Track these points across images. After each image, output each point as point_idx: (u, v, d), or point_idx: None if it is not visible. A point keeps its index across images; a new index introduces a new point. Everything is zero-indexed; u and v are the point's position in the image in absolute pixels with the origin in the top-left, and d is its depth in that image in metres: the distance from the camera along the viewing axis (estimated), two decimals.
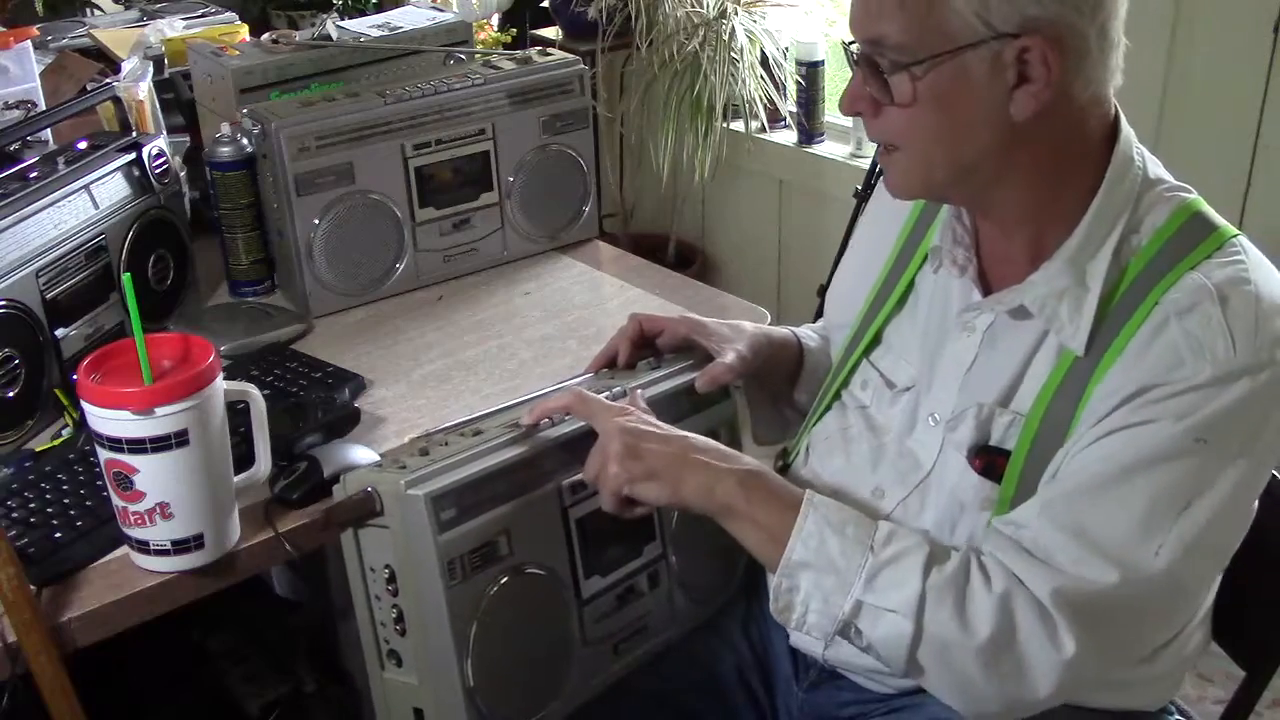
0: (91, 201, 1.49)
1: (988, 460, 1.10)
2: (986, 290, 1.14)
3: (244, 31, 2.16)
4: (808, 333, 1.42)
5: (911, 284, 1.24)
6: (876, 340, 1.25)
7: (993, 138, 1.05)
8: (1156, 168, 1.11)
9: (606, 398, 1.20)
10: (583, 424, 1.17)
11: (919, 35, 1.01)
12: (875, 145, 2.52)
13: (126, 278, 1.15)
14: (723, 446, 1.13)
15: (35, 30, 2.21)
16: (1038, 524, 1.03)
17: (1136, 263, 1.06)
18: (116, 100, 1.68)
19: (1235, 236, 1.07)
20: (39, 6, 2.88)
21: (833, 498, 1.19)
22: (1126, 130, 1.10)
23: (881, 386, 1.23)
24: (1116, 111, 1.10)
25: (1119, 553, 1.01)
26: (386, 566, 1.10)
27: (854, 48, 1.07)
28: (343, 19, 2.05)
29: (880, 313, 1.25)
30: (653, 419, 1.15)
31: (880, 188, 1.35)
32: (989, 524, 1.09)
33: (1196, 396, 1.00)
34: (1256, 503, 1.10)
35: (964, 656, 1.03)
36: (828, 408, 1.29)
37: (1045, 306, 1.07)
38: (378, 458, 1.28)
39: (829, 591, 1.05)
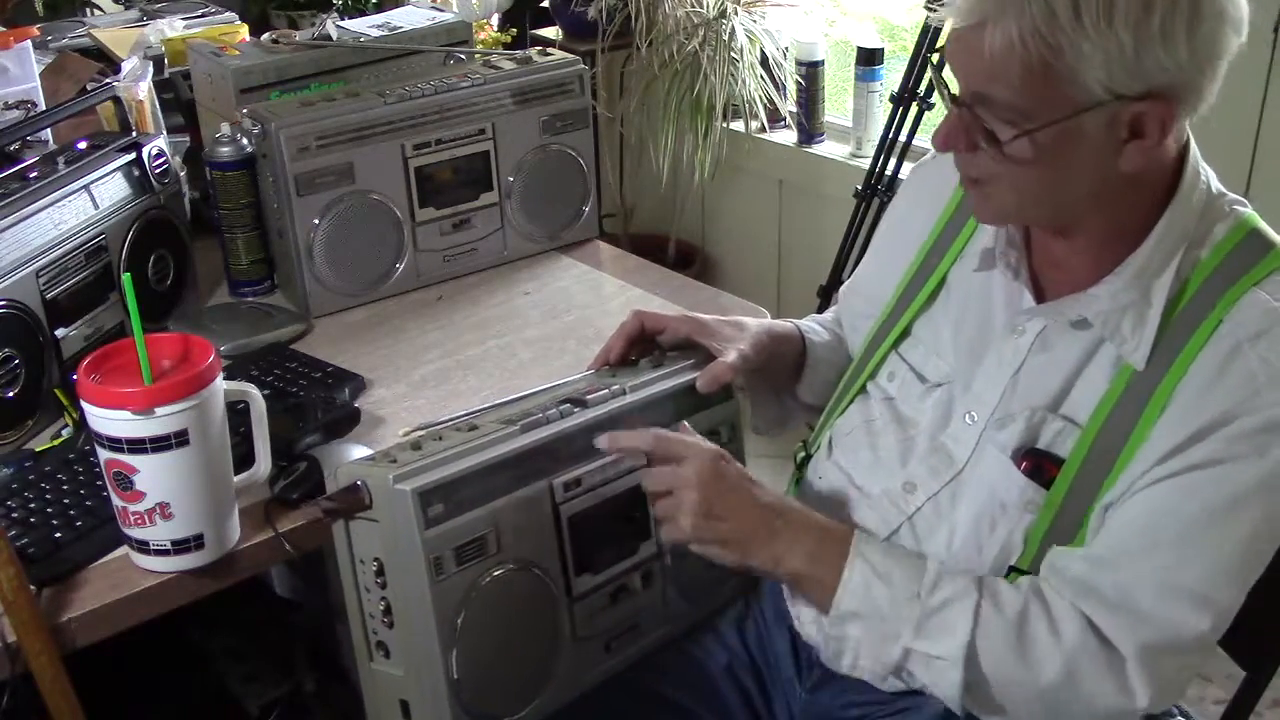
0: (91, 201, 1.49)
1: (1035, 463, 1.10)
2: (1038, 292, 1.14)
3: (244, 31, 2.16)
4: (812, 326, 1.42)
5: (944, 278, 1.24)
6: (906, 333, 1.26)
7: (1095, 185, 1.05)
8: (1215, 181, 1.11)
9: (605, 394, 1.20)
10: (576, 422, 1.17)
11: (1037, 101, 0.99)
12: (878, 144, 2.54)
13: (126, 278, 1.15)
14: (794, 505, 1.13)
15: (35, 30, 2.21)
16: (1124, 565, 1.03)
17: (1196, 278, 1.06)
18: (116, 100, 1.68)
19: None
20: (39, 6, 2.88)
21: (860, 491, 1.21)
22: (1194, 148, 1.09)
23: (911, 380, 1.23)
24: (1188, 131, 1.09)
25: (1213, 595, 1.02)
26: (375, 559, 1.10)
27: (952, 88, 1.05)
28: (343, 19, 2.05)
29: (911, 305, 1.25)
30: (738, 472, 1.14)
31: (912, 178, 1.35)
32: (1052, 555, 1.08)
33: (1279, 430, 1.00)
34: None
35: (1024, 697, 1.04)
36: (852, 400, 1.28)
37: (1108, 320, 1.08)
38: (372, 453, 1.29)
39: (878, 640, 1.07)
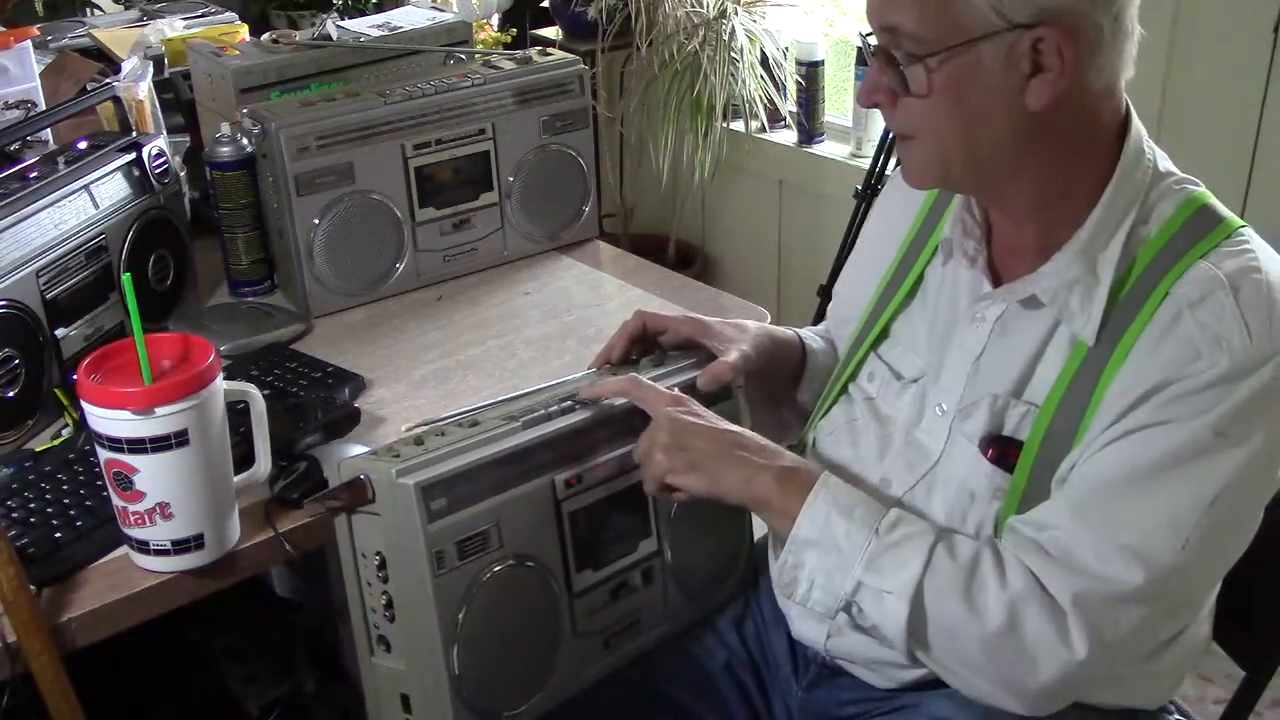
0: (91, 201, 1.49)
1: (1000, 450, 1.11)
2: (996, 281, 1.15)
3: (244, 31, 2.16)
4: (811, 334, 1.43)
5: (920, 277, 1.24)
6: (884, 334, 1.26)
7: (1008, 128, 1.06)
8: (1165, 161, 1.12)
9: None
10: (578, 419, 1.18)
11: (933, 27, 1.02)
12: (878, 144, 2.55)
13: (126, 278, 1.15)
14: (766, 442, 1.15)
15: (35, 30, 2.21)
16: (1062, 524, 1.04)
17: (1145, 254, 1.07)
18: (116, 100, 1.68)
19: (1242, 227, 1.08)
20: (39, 6, 2.88)
21: None
22: (1137, 123, 1.11)
23: (889, 378, 1.24)
24: (1128, 105, 1.11)
25: (1147, 551, 1.02)
26: (378, 553, 1.11)
27: (870, 38, 1.08)
28: (343, 19, 2.05)
29: (889, 306, 1.26)
30: (704, 412, 1.17)
31: (890, 183, 1.36)
32: (1006, 522, 1.09)
33: (1216, 391, 1.01)
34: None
35: (967, 643, 1.04)
36: (834, 401, 1.29)
37: (1057, 297, 1.08)
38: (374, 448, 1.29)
39: (832, 570, 1.08)
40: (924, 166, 1.11)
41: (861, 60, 2.78)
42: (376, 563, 1.11)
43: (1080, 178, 1.09)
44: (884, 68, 1.07)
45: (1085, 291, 1.07)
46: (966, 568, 1.05)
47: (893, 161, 2.53)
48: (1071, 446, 1.07)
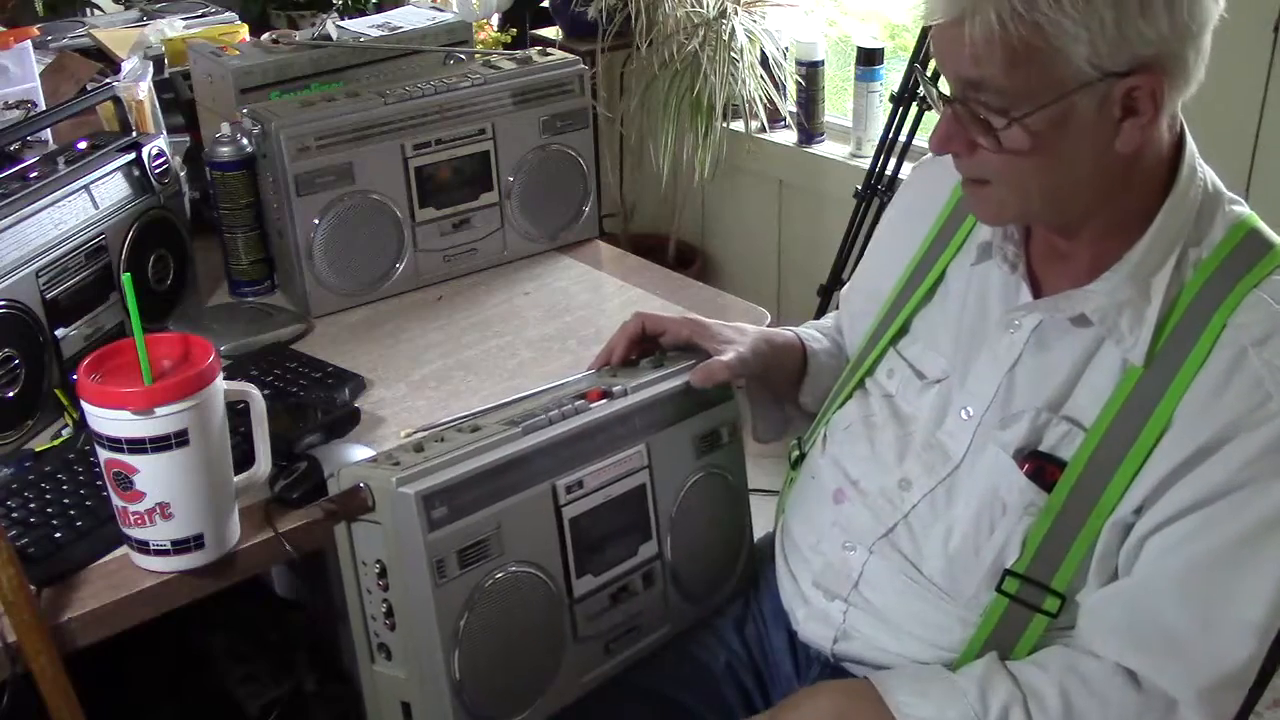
0: (91, 201, 1.49)
1: (1038, 465, 1.10)
2: (1035, 288, 1.14)
3: (244, 31, 2.16)
4: (812, 334, 1.42)
5: (942, 274, 1.24)
6: (904, 330, 1.26)
7: (1095, 170, 1.04)
8: (1215, 180, 1.11)
9: (606, 399, 1.20)
10: (579, 424, 1.17)
11: (1025, 82, 0.99)
12: (878, 144, 2.54)
13: (126, 278, 1.15)
14: (813, 687, 1.16)
15: (35, 30, 2.21)
16: (1166, 612, 1.03)
17: (1196, 279, 1.06)
18: (116, 100, 1.67)
19: None
20: (39, 6, 2.88)
21: (856, 488, 1.20)
22: (1190, 142, 1.09)
23: (910, 377, 1.23)
24: (1181, 121, 1.09)
25: (1256, 622, 1.01)
26: (378, 561, 1.11)
27: (942, 85, 1.05)
28: (343, 19, 2.05)
29: (909, 302, 1.25)
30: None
31: (913, 176, 1.36)
32: (1090, 609, 1.07)
33: None
34: None
35: None
36: (849, 396, 1.28)
37: (1106, 317, 1.07)
38: (374, 454, 1.28)
39: None
40: (1002, 209, 1.09)
41: (863, 60, 2.78)
42: (377, 571, 1.11)
43: (1136, 196, 1.07)
44: (967, 122, 1.03)
45: (1135, 314, 1.06)
46: (1061, 710, 1.04)
47: (893, 161, 2.53)
48: (1114, 473, 1.05)
